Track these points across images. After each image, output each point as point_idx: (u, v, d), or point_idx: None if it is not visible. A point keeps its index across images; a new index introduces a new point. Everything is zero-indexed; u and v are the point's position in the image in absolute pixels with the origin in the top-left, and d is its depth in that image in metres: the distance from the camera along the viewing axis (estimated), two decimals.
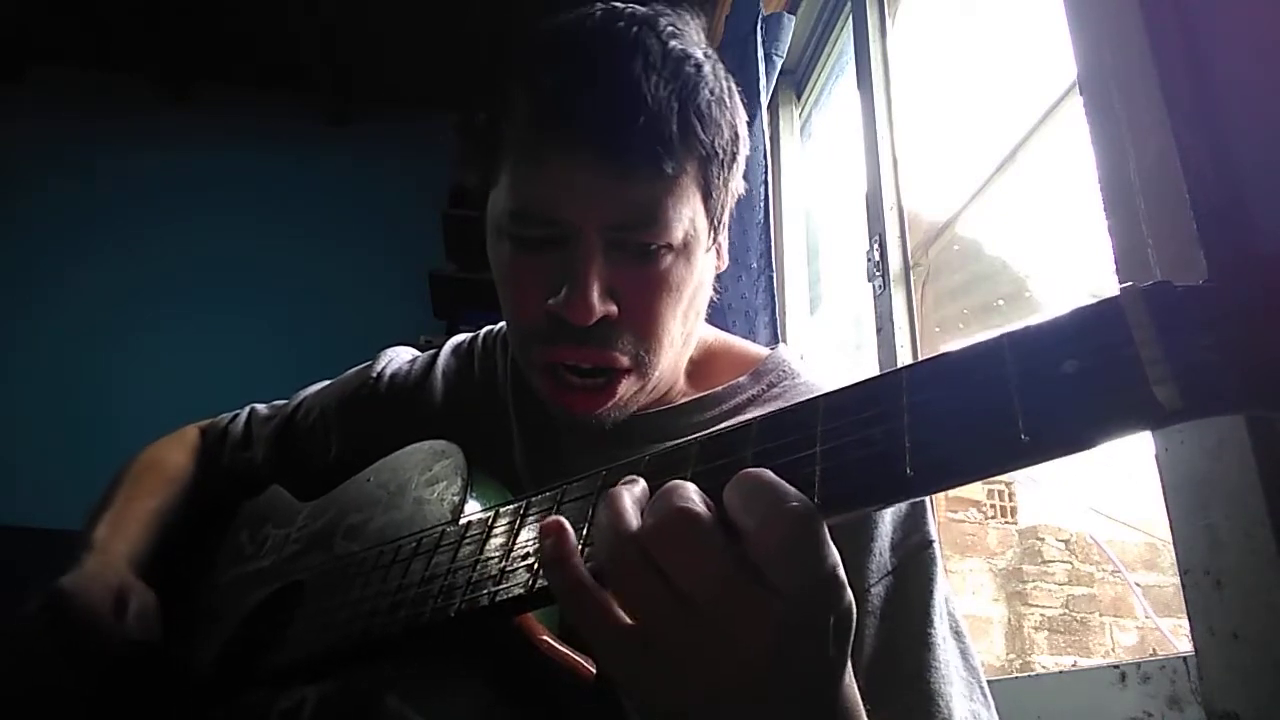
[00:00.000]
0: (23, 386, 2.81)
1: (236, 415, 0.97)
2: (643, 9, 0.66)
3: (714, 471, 0.41)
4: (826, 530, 0.36)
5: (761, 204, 1.80)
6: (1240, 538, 0.70)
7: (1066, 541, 3.49)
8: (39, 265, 2.96)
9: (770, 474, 0.36)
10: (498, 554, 0.49)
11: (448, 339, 0.90)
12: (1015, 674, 1.36)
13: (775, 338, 1.70)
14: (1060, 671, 1.11)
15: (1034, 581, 3.41)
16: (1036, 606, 3.37)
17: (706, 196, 0.65)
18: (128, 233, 3.04)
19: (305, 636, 0.61)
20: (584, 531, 0.43)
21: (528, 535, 0.48)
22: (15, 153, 3.08)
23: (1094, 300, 0.33)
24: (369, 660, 0.54)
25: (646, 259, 0.64)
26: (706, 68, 0.64)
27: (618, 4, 0.66)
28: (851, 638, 0.37)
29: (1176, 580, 0.77)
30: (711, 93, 0.64)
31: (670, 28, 0.64)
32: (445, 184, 2.87)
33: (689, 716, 0.37)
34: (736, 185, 0.69)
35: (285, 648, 0.62)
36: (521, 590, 0.45)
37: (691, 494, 0.37)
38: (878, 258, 1.69)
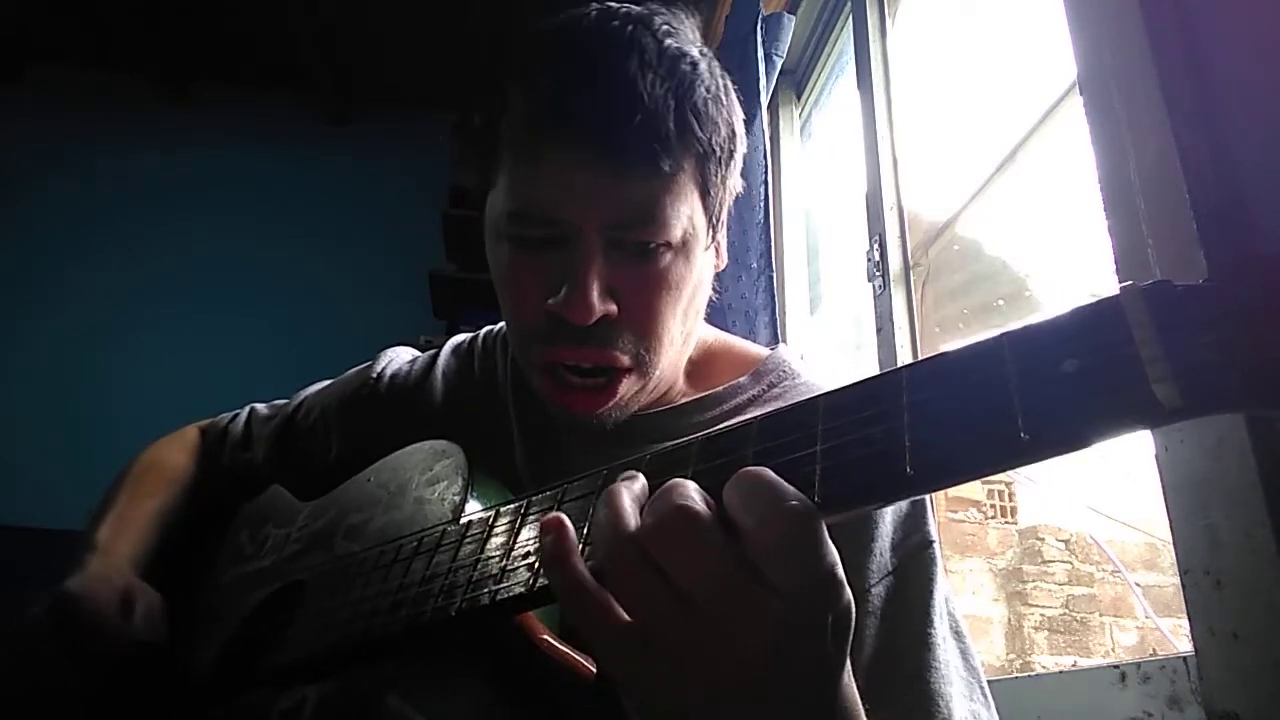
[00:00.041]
0: (23, 386, 2.81)
1: (236, 415, 0.97)
2: (638, 8, 0.66)
3: (714, 470, 0.41)
4: (825, 529, 0.36)
5: (761, 204, 1.80)
6: (1240, 538, 0.70)
7: (1066, 541, 3.49)
8: (39, 265, 2.96)
9: (770, 472, 0.37)
10: (498, 553, 0.49)
11: (448, 339, 0.90)
12: (1015, 674, 1.36)
13: (775, 338, 1.70)
14: (1060, 671, 1.11)
15: (1034, 581, 3.41)
16: (1036, 606, 3.37)
17: (704, 194, 0.65)
18: (128, 233, 3.04)
19: (306, 636, 0.61)
20: (584, 530, 0.43)
21: (528, 534, 0.48)
22: (15, 153, 3.09)
23: (1094, 299, 0.33)
24: (370, 660, 0.54)
25: (645, 258, 0.64)
26: (702, 66, 0.64)
27: (613, 3, 0.66)
28: (850, 637, 0.37)
29: (1176, 580, 0.77)
30: (708, 90, 0.64)
31: (665, 26, 0.65)
32: (445, 184, 2.87)
33: (689, 716, 0.37)
34: (734, 183, 0.69)
35: (286, 647, 0.62)
36: (522, 589, 0.45)
37: (691, 492, 0.37)
38: (878, 258, 1.69)
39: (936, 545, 0.63)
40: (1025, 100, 1.50)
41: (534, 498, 0.51)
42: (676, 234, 0.64)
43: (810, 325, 2.16)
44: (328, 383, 0.93)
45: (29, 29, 3.02)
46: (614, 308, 0.63)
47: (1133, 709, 0.84)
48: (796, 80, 2.37)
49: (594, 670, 0.52)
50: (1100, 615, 3.39)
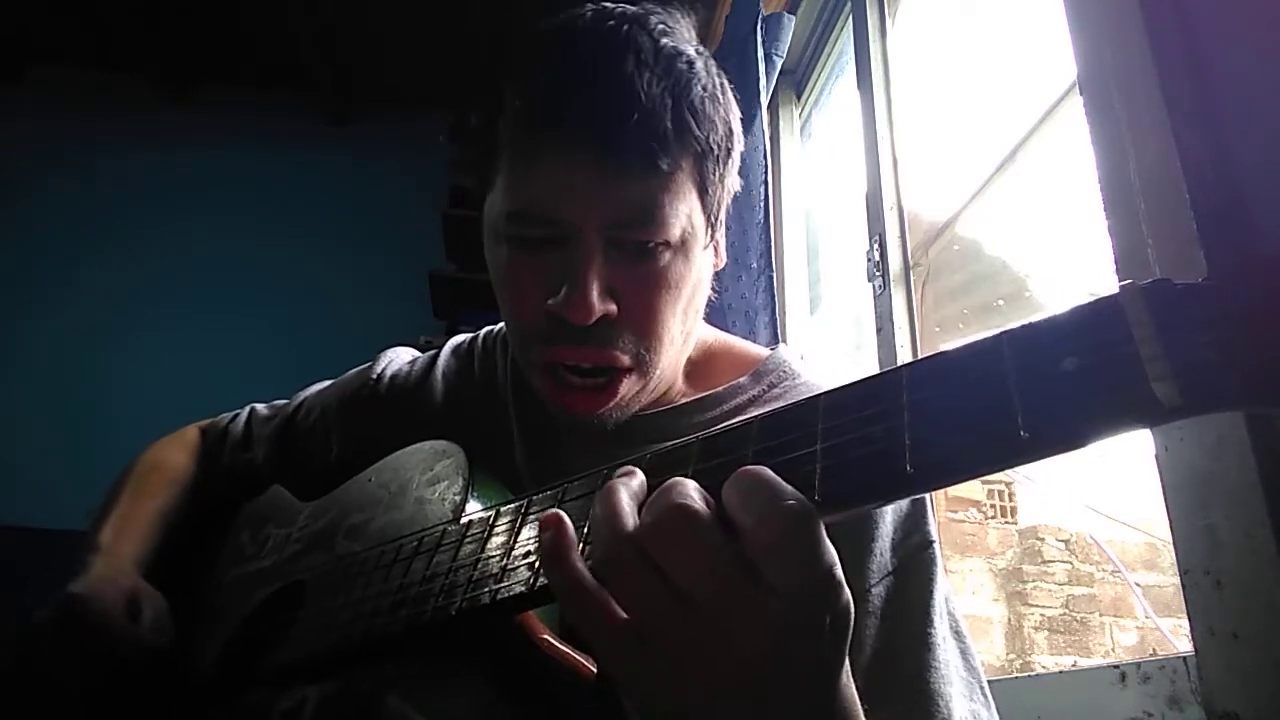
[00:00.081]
0: (23, 386, 2.81)
1: (237, 415, 0.97)
2: (633, 8, 0.66)
3: (714, 469, 0.41)
4: (823, 529, 0.36)
5: (761, 204, 1.80)
6: (1240, 538, 0.70)
7: (1066, 541, 3.49)
8: (39, 265, 2.96)
9: (768, 471, 0.37)
10: (499, 552, 0.49)
11: (448, 339, 0.90)
12: (1015, 674, 1.36)
13: (775, 338, 1.70)
14: (1060, 671, 1.11)
15: (1034, 581, 3.41)
16: (1036, 606, 3.37)
17: (703, 193, 0.65)
18: (128, 233, 3.04)
19: (307, 636, 0.61)
20: (584, 529, 0.43)
21: (529, 534, 0.48)
22: (15, 153, 3.09)
23: (1093, 298, 0.33)
24: (370, 660, 0.54)
25: (645, 257, 0.64)
26: (699, 64, 0.64)
27: (608, 4, 0.66)
28: (849, 638, 0.37)
29: (1176, 580, 0.77)
30: (704, 89, 0.64)
31: (661, 25, 0.65)
32: (445, 184, 2.87)
33: (689, 715, 0.37)
34: (732, 182, 0.69)
35: (286, 647, 0.62)
36: (522, 589, 0.45)
37: (690, 491, 0.37)
38: (878, 258, 1.69)
39: (936, 545, 0.63)
40: (1025, 100, 1.50)
41: (534, 497, 0.51)
42: (675, 233, 0.64)
43: (810, 325, 2.16)
44: (328, 383, 0.93)
45: (29, 29, 3.02)
46: (614, 307, 0.63)
47: (1133, 709, 0.84)
48: (796, 80, 2.37)
49: (594, 670, 0.52)
50: (1100, 615, 3.39)
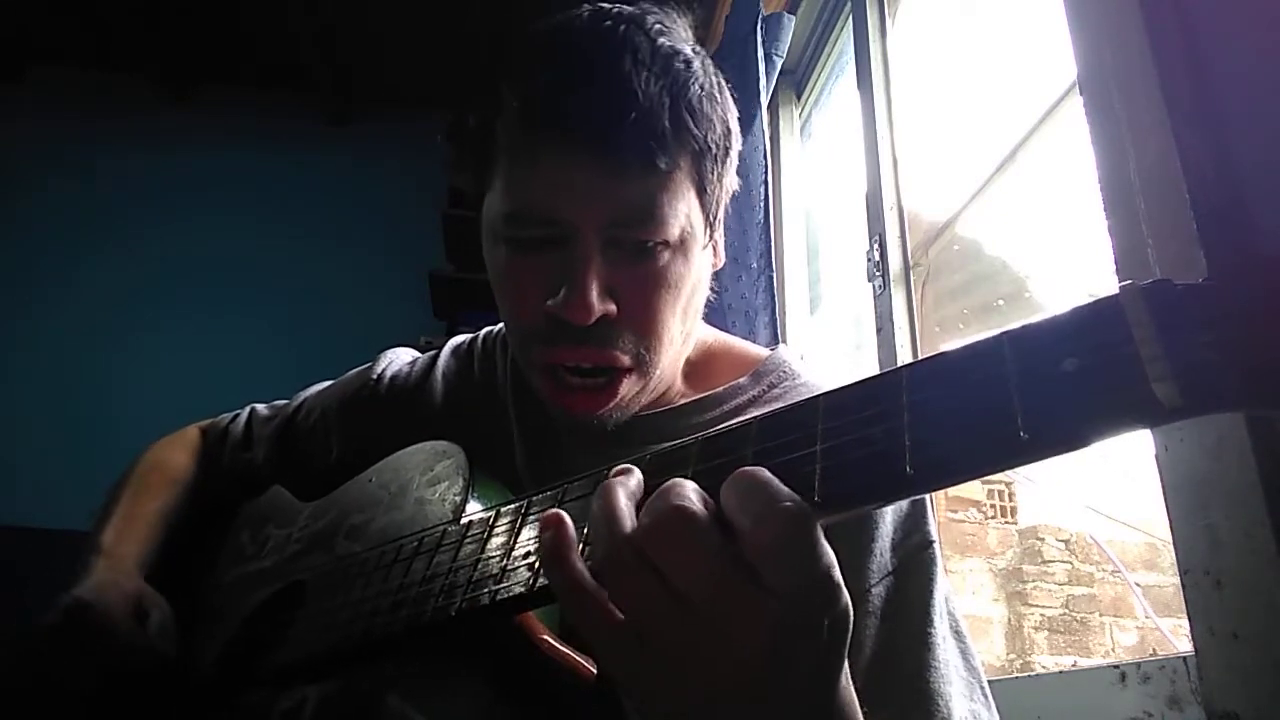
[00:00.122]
0: (23, 386, 2.81)
1: (237, 415, 0.97)
2: (630, 8, 0.66)
3: (714, 470, 0.41)
4: (820, 530, 0.35)
5: (761, 204, 1.80)
6: (1240, 538, 0.70)
7: (1066, 541, 3.49)
8: (39, 265, 2.96)
9: (766, 473, 0.37)
10: (499, 553, 0.49)
11: (448, 339, 0.90)
12: (1015, 674, 1.36)
13: (775, 338, 1.70)
14: (1060, 671, 1.11)
15: (1034, 581, 3.41)
16: (1036, 606, 3.37)
17: (701, 192, 0.65)
18: (128, 233, 3.04)
19: (307, 636, 0.61)
20: (584, 530, 0.43)
21: (529, 534, 0.48)
22: (15, 153, 3.09)
23: (1093, 299, 0.33)
24: (370, 660, 0.54)
25: (644, 256, 0.64)
26: (696, 64, 0.64)
27: (605, 4, 0.66)
28: (849, 640, 0.37)
29: (1176, 580, 0.77)
30: (702, 88, 0.64)
31: (658, 25, 0.65)
32: (445, 184, 2.86)
33: (688, 716, 0.37)
34: (730, 181, 0.69)
35: (287, 648, 0.62)
36: (522, 589, 0.45)
37: (689, 492, 0.37)
38: (878, 258, 1.69)
39: (936, 545, 0.63)
40: (1025, 100, 1.50)
41: (534, 498, 0.51)
42: (674, 232, 0.64)
43: (810, 325, 2.16)
44: (328, 384, 0.93)
45: (29, 29, 3.02)
46: (613, 307, 0.63)
47: (1133, 709, 0.84)
48: (796, 80, 2.37)
49: (594, 671, 0.52)
50: (1100, 615, 3.39)
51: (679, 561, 0.36)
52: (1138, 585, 3.39)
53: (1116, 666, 0.88)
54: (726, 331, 0.85)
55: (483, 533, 0.52)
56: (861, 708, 0.41)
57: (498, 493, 0.62)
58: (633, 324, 0.65)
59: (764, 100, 1.86)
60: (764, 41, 1.90)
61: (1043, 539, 3.48)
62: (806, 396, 0.41)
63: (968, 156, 1.75)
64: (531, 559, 0.46)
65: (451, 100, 2.97)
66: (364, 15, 2.91)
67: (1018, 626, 3.36)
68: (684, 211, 0.64)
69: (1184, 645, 0.80)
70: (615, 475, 0.41)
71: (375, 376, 0.87)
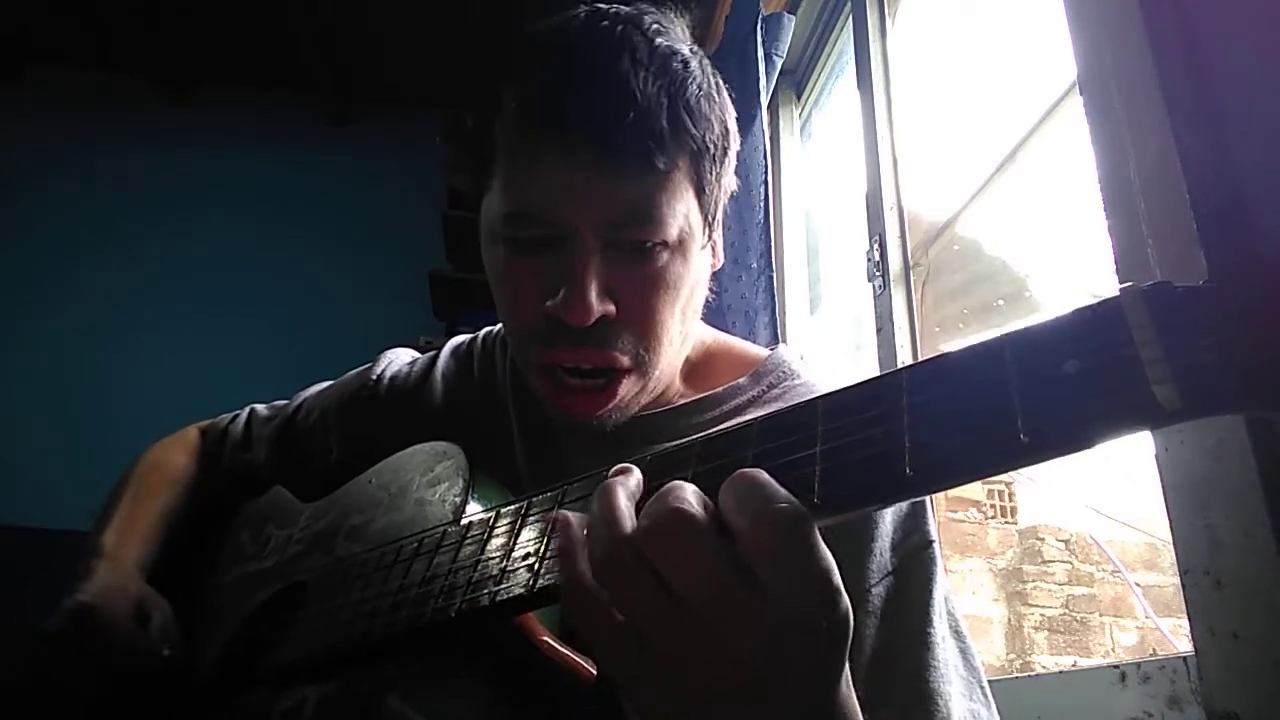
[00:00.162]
0: (23, 386, 2.81)
1: (236, 416, 0.97)
2: (627, 8, 0.66)
3: (714, 471, 0.41)
4: (817, 533, 0.35)
5: (761, 204, 1.80)
6: (1240, 538, 0.70)
7: (1066, 541, 3.50)
8: (39, 265, 2.96)
9: (763, 474, 0.36)
10: (499, 554, 0.49)
11: (448, 339, 0.90)
12: (1015, 674, 1.36)
13: (775, 338, 1.70)
14: (1060, 671, 1.11)
15: (1034, 581, 3.41)
16: (1036, 606, 3.37)
17: (700, 192, 0.65)
18: (128, 233, 3.03)
19: (307, 637, 0.61)
20: (585, 532, 0.43)
21: (529, 535, 0.48)
22: (15, 153, 3.08)
23: (1094, 301, 0.33)
24: (370, 661, 0.54)
25: (643, 257, 0.64)
26: (693, 63, 0.64)
27: (602, 4, 0.66)
28: (849, 643, 0.37)
29: (1176, 580, 0.77)
30: (700, 88, 0.64)
31: (655, 25, 0.65)
32: (445, 184, 2.86)
33: (687, 716, 0.37)
34: (728, 182, 0.69)
35: (287, 648, 0.62)
36: (522, 590, 0.45)
37: (687, 495, 0.37)
38: (878, 258, 1.69)
39: (936, 545, 0.63)
40: (1025, 100, 1.50)
41: (534, 499, 0.51)
42: (673, 232, 0.63)
43: (810, 325, 2.16)
44: (327, 384, 0.93)
45: (29, 29, 3.01)
46: (612, 308, 0.63)
47: (1133, 709, 0.84)
48: (796, 80, 2.37)
49: (594, 672, 0.52)
50: (1100, 615, 3.39)
51: (677, 563, 0.36)
52: (1138, 585, 3.39)
53: (1116, 666, 0.88)
54: (726, 331, 0.85)
55: (482, 534, 0.52)
56: (862, 708, 0.41)
57: (498, 494, 0.62)
58: (632, 325, 0.65)
59: (764, 100, 1.86)
60: (764, 41, 1.90)
61: (1043, 539, 3.48)
62: (806, 397, 0.41)
63: (968, 156, 1.75)
64: (531, 560, 0.46)
65: (451, 100, 2.97)
66: (364, 15, 2.91)
67: (1018, 626, 3.37)
68: (682, 212, 0.64)
69: (1184, 645, 0.80)
70: (615, 475, 0.41)
71: (375, 377, 0.87)
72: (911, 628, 0.59)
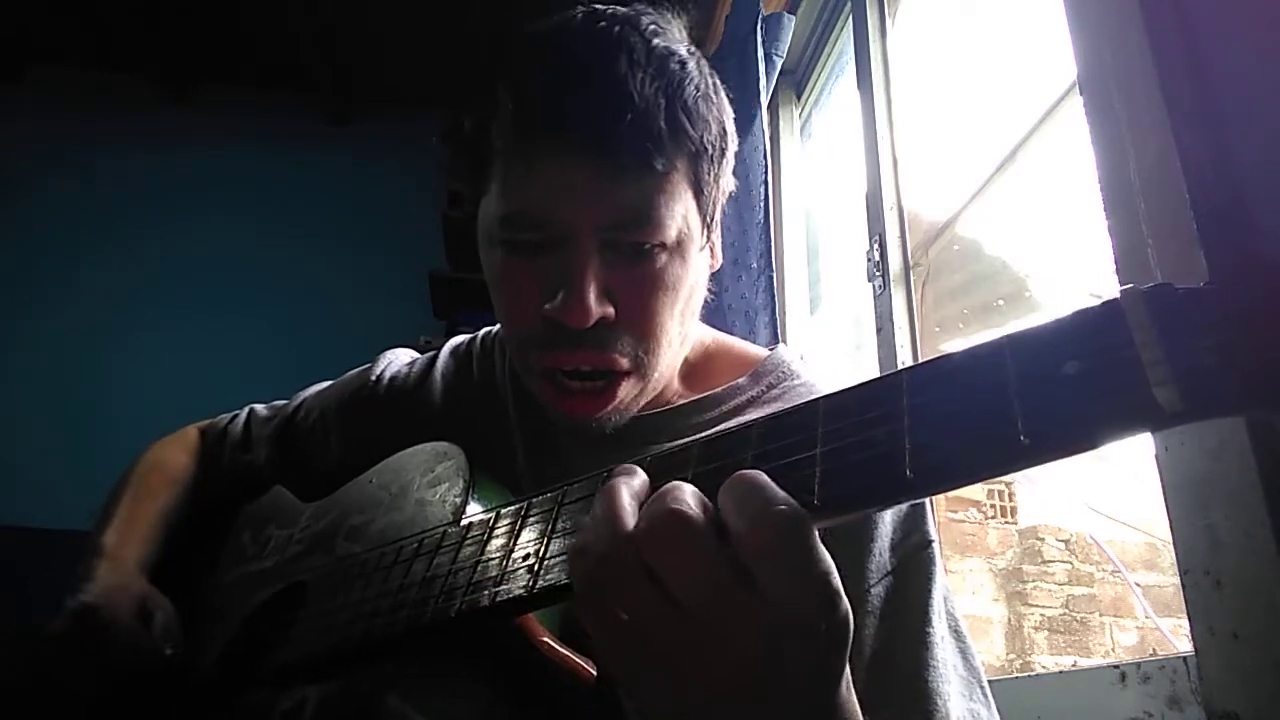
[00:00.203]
0: (23, 386, 2.81)
1: (236, 416, 0.97)
2: (624, 9, 0.66)
3: (714, 473, 0.41)
4: (815, 534, 0.35)
5: (761, 204, 1.80)
6: (1240, 538, 0.70)
7: (1066, 541, 3.50)
8: (39, 265, 2.96)
9: (762, 476, 0.36)
10: (499, 555, 0.49)
11: (447, 339, 0.90)
12: (1015, 674, 1.36)
13: (775, 338, 1.70)
14: (1060, 671, 1.11)
15: (1034, 581, 3.41)
16: (1036, 606, 3.37)
17: (698, 193, 0.65)
18: (128, 233, 3.03)
19: (307, 637, 0.61)
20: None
21: (529, 536, 0.48)
22: (15, 153, 3.08)
23: (1095, 302, 0.33)
24: (370, 661, 0.54)
25: (641, 258, 0.63)
26: (691, 64, 0.64)
27: (599, 5, 0.66)
28: (849, 645, 0.37)
29: (1176, 580, 0.77)
30: (697, 89, 0.64)
31: (653, 26, 0.65)
32: (445, 184, 2.86)
33: (688, 717, 0.37)
34: (727, 183, 0.69)
35: (287, 648, 0.62)
36: (522, 591, 0.45)
37: (686, 496, 0.37)
38: (878, 258, 1.69)
39: (936, 545, 0.63)
40: (1025, 100, 1.50)
41: (534, 499, 0.51)
42: (671, 234, 0.63)
43: (810, 325, 2.16)
44: (327, 384, 0.93)
45: (29, 29, 3.01)
46: (611, 310, 0.63)
47: (1133, 709, 0.84)
48: (796, 80, 2.37)
49: (594, 672, 0.52)
50: (1100, 615, 3.39)
51: (675, 565, 0.36)
52: (1138, 585, 3.39)
53: (1116, 666, 0.88)
54: (726, 331, 0.85)
55: (483, 534, 0.52)
56: (861, 708, 0.41)
57: (498, 494, 0.62)
58: (631, 326, 0.64)
59: (764, 100, 1.86)
60: (764, 41, 1.90)
61: (1043, 539, 3.48)
62: (806, 397, 0.41)
63: (968, 156, 1.75)
64: (531, 561, 0.46)
65: (451, 100, 2.97)
66: (364, 15, 2.91)
67: (1018, 626, 3.37)
68: (681, 213, 0.64)
69: (1184, 645, 0.80)
70: (619, 475, 0.41)
71: (374, 377, 0.87)
72: (911, 627, 0.59)
